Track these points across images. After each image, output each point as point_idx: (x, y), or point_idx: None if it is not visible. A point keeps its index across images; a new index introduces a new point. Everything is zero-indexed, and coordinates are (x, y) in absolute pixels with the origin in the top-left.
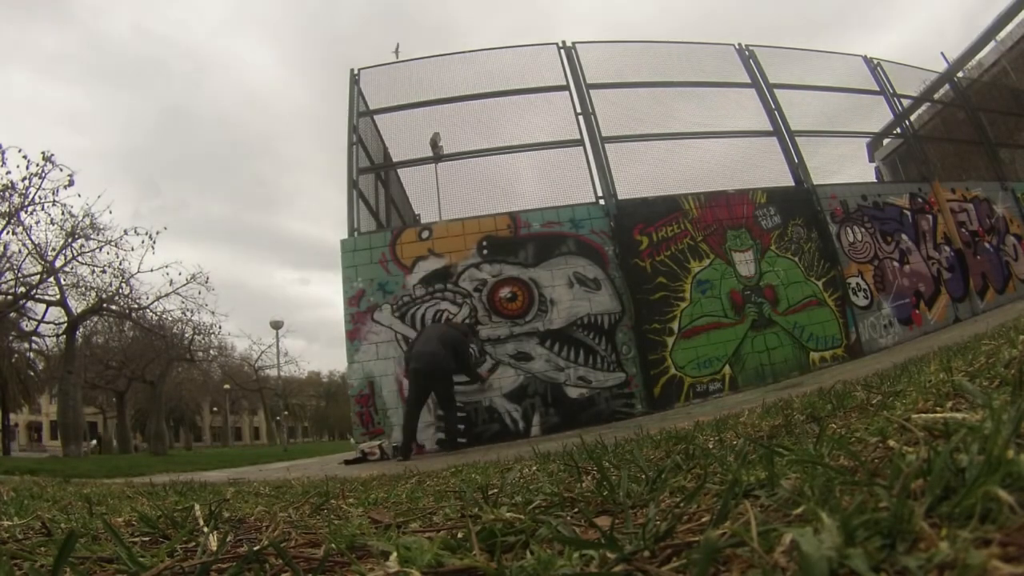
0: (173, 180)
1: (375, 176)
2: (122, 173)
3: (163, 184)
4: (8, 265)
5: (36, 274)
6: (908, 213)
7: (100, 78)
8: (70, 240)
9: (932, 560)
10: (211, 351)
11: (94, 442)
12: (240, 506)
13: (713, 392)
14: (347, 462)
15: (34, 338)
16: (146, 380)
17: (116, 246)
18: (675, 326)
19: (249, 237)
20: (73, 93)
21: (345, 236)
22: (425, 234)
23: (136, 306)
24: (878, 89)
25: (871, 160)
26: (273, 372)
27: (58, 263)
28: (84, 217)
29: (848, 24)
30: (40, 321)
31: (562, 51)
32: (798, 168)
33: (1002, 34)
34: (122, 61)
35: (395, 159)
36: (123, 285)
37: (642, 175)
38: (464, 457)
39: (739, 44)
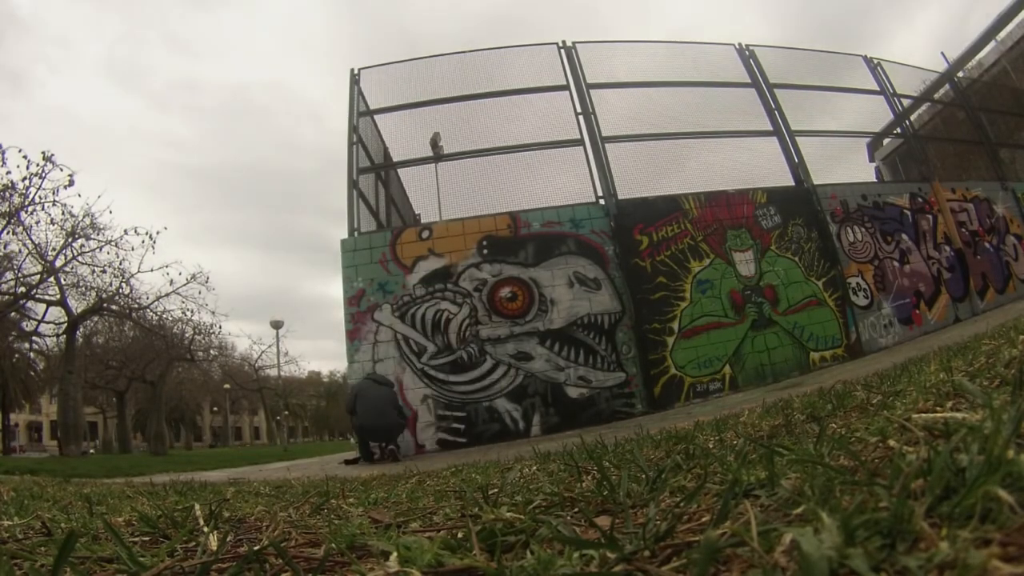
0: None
1: (375, 176)
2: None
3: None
4: (8, 265)
5: (36, 274)
6: (908, 213)
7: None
8: (70, 240)
9: (932, 560)
10: (211, 351)
11: (96, 442)
12: (240, 506)
13: (713, 392)
14: (347, 462)
15: (34, 338)
16: (146, 380)
17: (116, 246)
18: (675, 326)
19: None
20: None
21: (345, 236)
22: (425, 234)
23: (136, 306)
24: (878, 89)
25: (871, 160)
26: (273, 372)
27: (58, 263)
28: (84, 217)
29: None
30: (40, 321)
31: (562, 51)
32: (798, 168)
33: (1002, 34)
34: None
35: (395, 159)
36: (123, 285)
37: (642, 175)
38: (464, 457)
39: (739, 44)
